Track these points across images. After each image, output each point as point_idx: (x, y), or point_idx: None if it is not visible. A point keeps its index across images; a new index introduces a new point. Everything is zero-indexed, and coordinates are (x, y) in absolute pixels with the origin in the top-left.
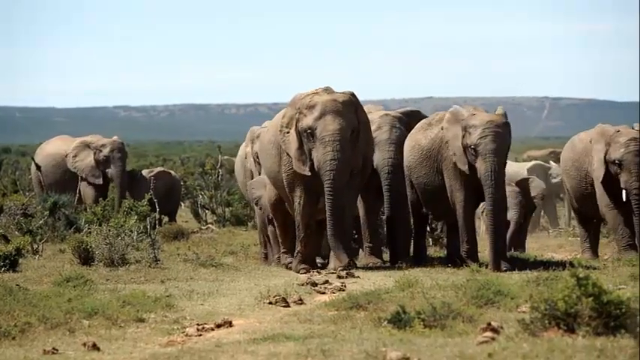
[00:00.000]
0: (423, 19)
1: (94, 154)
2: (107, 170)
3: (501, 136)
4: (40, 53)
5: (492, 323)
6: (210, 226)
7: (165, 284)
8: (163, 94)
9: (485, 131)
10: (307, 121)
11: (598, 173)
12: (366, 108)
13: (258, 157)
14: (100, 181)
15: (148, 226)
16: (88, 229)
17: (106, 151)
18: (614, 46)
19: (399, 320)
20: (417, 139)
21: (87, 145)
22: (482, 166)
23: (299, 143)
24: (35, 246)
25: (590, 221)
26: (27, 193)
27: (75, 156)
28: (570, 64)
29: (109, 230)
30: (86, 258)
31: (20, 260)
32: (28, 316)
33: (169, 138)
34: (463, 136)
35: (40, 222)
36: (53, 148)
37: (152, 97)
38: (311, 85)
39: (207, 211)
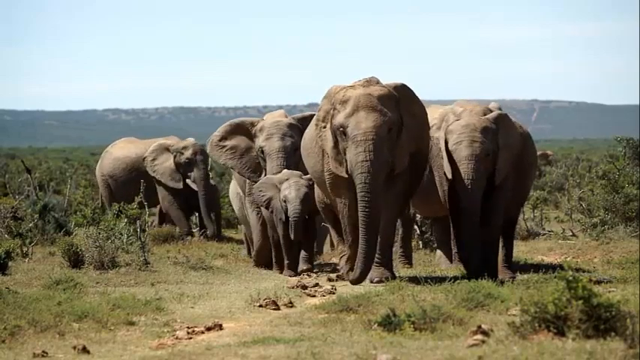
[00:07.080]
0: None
1: (174, 156)
2: (189, 174)
3: (479, 140)
4: (30, 57)
5: (482, 326)
6: None
7: (155, 287)
8: (153, 96)
9: (460, 137)
10: (339, 118)
11: None
12: (428, 109)
13: (263, 153)
14: (180, 185)
15: (138, 229)
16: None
17: (188, 153)
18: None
19: (389, 323)
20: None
21: (165, 148)
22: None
23: (334, 141)
24: (25, 249)
25: None
26: (17, 196)
27: (154, 159)
28: (560, 67)
29: (99, 233)
30: (76, 261)
31: (10, 263)
32: (18, 320)
33: None
34: (446, 142)
35: (30, 225)
36: (122, 151)
37: (142, 99)
38: (298, 88)
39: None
